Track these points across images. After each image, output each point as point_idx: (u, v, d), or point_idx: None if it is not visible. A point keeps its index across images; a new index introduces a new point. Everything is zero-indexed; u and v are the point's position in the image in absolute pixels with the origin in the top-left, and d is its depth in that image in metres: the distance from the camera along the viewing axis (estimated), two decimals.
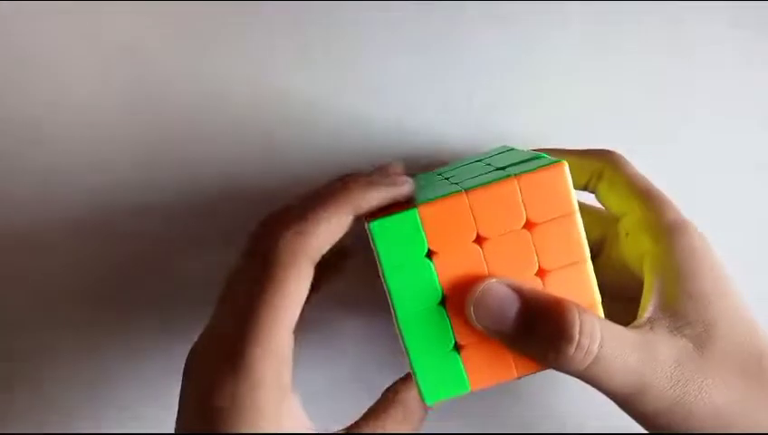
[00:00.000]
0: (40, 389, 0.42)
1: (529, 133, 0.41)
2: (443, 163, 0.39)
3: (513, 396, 0.43)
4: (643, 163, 0.37)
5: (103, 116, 0.40)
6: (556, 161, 0.29)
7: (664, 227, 0.33)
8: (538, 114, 0.42)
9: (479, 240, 0.29)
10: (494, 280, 0.29)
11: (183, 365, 0.31)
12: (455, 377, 0.31)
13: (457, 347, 0.30)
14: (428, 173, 0.37)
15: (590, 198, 0.38)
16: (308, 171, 0.41)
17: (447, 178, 0.33)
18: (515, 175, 0.29)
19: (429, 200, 0.29)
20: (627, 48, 0.41)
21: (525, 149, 0.37)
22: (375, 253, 0.29)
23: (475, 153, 0.38)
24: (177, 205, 0.41)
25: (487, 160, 0.34)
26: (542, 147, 0.38)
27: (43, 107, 0.40)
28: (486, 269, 0.30)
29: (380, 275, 0.29)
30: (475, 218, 0.29)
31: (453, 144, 0.41)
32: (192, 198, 0.41)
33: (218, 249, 0.41)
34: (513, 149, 0.35)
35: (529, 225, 0.29)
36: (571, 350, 0.28)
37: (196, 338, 0.32)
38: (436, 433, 0.43)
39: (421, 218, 0.29)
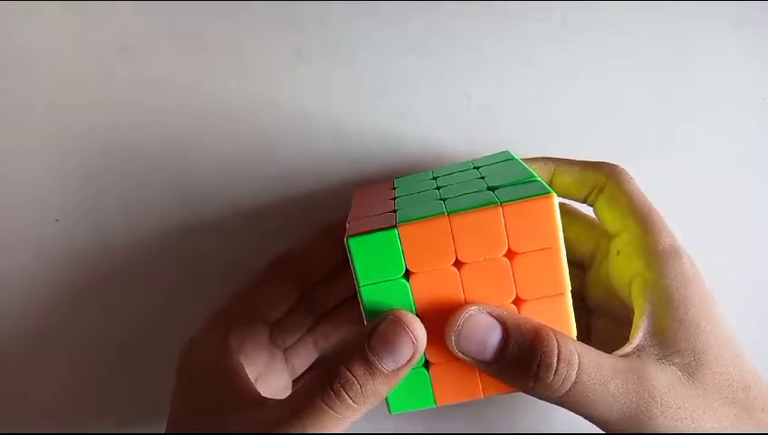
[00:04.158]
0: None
1: (528, 135, 0.40)
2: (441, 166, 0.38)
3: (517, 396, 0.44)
4: (642, 164, 0.36)
5: (98, 117, 0.39)
6: (546, 192, 0.28)
7: (657, 252, 0.32)
8: (537, 115, 0.41)
9: (458, 264, 0.29)
10: (474, 308, 0.29)
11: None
12: (422, 392, 0.31)
13: (426, 364, 0.31)
14: (422, 173, 0.36)
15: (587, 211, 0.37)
16: (303, 172, 0.40)
17: (438, 188, 0.32)
18: (501, 203, 0.28)
19: (411, 220, 0.29)
20: (627, 48, 0.40)
21: (526, 160, 0.36)
22: (352, 268, 0.29)
23: (474, 156, 0.37)
24: (170, 205, 0.41)
25: (484, 171, 0.33)
26: (543, 150, 0.37)
27: (39, 107, 0.39)
28: (463, 294, 0.29)
29: (356, 290, 0.29)
30: (455, 243, 0.29)
31: (451, 146, 0.40)
32: (185, 199, 0.40)
33: (214, 249, 0.41)
34: (512, 159, 0.34)
35: (510, 254, 0.29)
36: (550, 377, 0.28)
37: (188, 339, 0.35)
38: (437, 433, 0.44)
39: (401, 238, 0.29)
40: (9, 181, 0.40)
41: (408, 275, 0.29)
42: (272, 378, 0.37)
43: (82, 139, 0.40)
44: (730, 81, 0.41)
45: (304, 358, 0.39)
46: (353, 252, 0.29)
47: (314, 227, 0.39)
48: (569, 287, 0.29)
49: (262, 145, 0.40)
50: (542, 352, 0.28)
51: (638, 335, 0.31)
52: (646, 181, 0.35)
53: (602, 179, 0.35)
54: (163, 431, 0.33)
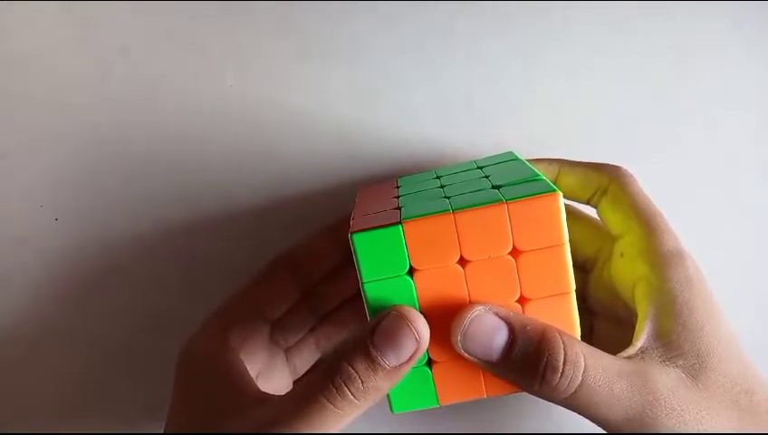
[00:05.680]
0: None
1: (528, 135, 0.40)
2: (443, 166, 0.38)
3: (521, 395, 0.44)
4: (642, 164, 0.36)
5: (98, 117, 0.39)
6: (551, 190, 0.28)
7: (661, 254, 0.32)
8: (538, 117, 0.40)
9: (462, 262, 0.29)
10: (481, 308, 0.29)
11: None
12: (425, 391, 0.31)
13: (430, 363, 0.30)
14: (425, 173, 0.36)
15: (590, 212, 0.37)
16: (304, 172, 0.40)
17: (442, 187, 0.32)
18: (506, 200, 0.28)
19: (415, 217, 0.29)
20: (628, 49, 0.40)
21: (530, 161, 0.36)
22: (356, 264, 0.29)
23: (475, 156, 0.37)
24: (170, 204, 0.40)
25: (488, 170, 0.33)
26: (543, 150, 0.37)
27: (39, 107, 0.39)
28: (467, 292, 0.29)
29: (360, 286, 0.29)
30: (459, 240, 0.29)
31: (453, 148, 0.40)
32: (186, 198, 0.40)
33: (214, 249, 0.41)
34: (517, 160, 0.34)
35: (515, 252, 0.29)
36: (556, 379, 0.28)
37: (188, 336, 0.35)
38: (437, 433, 0.43)
39: (405, 235, 0.28)
40: (8, 181, 0.40)
41: (412, 272, 0.29)
42: (272, 377, 0.37)
43: (82, 139, 0.39)
44: (731, 81, 0.41)
45: (306, 358, 0.39)
46: (357, 248, 0.29)
47: (315, 227, 0.39)
48: (573, 286, 0.29)
49: (262, 145, 0.40)
50: (549, 354, 0.28)
51: (642, 338, 0.31)
52: (646, 182, 0.35)
53: (606, 181, 0.35)
54: (163, 432, 0.33)
